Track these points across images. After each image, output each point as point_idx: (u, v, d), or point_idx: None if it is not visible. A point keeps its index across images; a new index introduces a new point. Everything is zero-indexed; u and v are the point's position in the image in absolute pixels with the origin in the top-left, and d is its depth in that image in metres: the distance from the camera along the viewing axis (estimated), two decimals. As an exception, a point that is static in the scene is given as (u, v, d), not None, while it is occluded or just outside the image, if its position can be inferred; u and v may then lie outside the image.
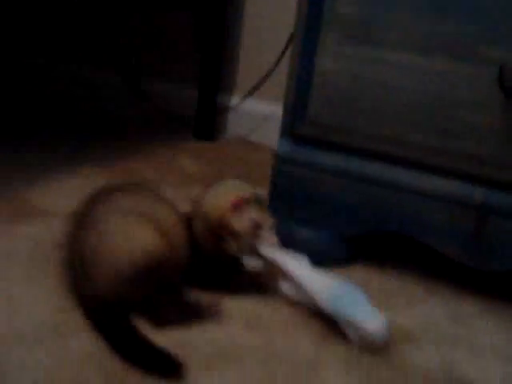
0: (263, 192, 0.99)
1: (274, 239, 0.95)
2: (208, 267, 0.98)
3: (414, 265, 1.13)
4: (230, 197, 0.95)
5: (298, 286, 0.94)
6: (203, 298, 0.95)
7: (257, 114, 1.66)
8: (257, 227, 0.95)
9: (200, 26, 1.61)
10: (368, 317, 0.88)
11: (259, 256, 0.96)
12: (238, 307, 0.96)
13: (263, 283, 1.02)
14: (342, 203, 1.07)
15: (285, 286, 0.96)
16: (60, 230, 1.01)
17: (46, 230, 1.10)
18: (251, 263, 1.00)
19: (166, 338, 0.86)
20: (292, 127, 1.09)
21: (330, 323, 0.94)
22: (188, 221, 0.97)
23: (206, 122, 1.66)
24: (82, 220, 0.89)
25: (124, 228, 0.87)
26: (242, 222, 0.95)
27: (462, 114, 0.98)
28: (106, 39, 1.84)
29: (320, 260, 1.08)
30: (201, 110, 1.65)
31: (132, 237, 0.86)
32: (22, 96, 1.88)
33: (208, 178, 1.42)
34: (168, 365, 0.81)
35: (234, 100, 1.68)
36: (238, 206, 0.95)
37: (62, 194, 1.25)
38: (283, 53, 1.54)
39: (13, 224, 1.12)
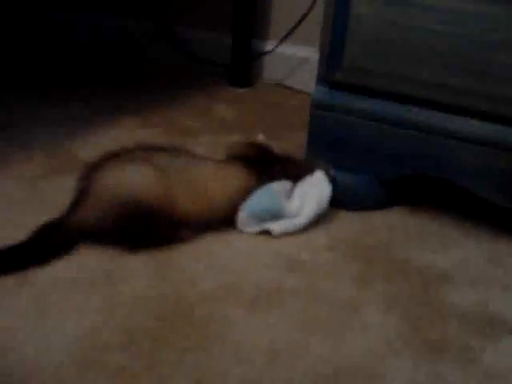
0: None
1: None
2: None
3: (451, 208, 1.14)
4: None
5: None
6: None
7: (292, 58, 1.66)
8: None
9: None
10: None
11: None
12: (280, 251, 0.99)
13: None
14: (379, 148, 1.08)
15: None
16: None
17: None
18: None
19: (212, 283, 0.90)
20: (328, 73, 1.09)
21: (368, 265, 0.97)
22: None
23: (242, 69, 1.66)
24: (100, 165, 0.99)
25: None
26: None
27: (501, 57, 0.98)
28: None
29: (359, 203, 1.11)
30: (236, 56, 1.66)
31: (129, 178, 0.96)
32: (58, 49, 1.90)
33: (246, 125, 1.44)
34: None
35: (269, 45, 1.68)
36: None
37: (103, 145, 1.28)
38: (317, -4, 1.53)
39: (59, 176, 1.15)
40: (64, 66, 1.77)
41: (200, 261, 0.96)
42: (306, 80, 1.58)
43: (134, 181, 0.96)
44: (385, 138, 1.07)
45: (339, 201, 1.09)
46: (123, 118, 1.42)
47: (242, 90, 1.66)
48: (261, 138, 1.12)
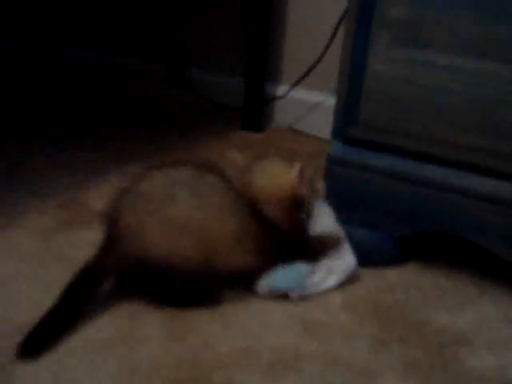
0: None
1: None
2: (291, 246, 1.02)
3: (466, 265, 1.13)
4: (284, 171, 1.01)
5: None
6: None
7: (305, 103, 1.67)
8: (313, 184, 1.04)
9: (246, 13, 1.61)
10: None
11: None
12: (296, 312, 0.99)
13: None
14: (394, 204, 1.08)
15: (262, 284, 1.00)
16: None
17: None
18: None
19: (228, 347, 0.90)
20: (344, 129, 1.10)
21: (384, 326, 0.96)
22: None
23: (254, 113, 1.67)
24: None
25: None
26: (304, 187, 1.01)
27: (513, 117, 0.98)
28: (151, 29, 1.86)
29: (374, 260, 1.11)
30: (248, 100, 1.66)
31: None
32: (69, 92, 1.91)
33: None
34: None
35: (282, 89, 1.69)
36: (301, 174, 1.01)
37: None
38: (330, 41, 1.54)
39: (74, 230, 1.15)
40: (74, 109, 1.78)
41: (216, 322, 0.95)
42: (319, 125, 1.59)
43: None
44: (400, 194, 1.07)
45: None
46: (135, 165, 1.42)
47: (254, 135, 1.66)
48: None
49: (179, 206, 0.92)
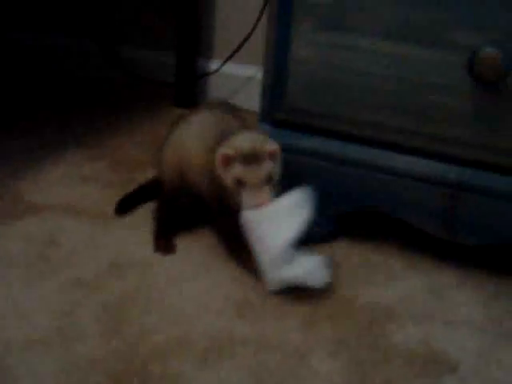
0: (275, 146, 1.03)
1: (261, 198, 1.00)
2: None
3: (394, 240, 1.18)
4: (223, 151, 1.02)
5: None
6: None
7: (237, 77, 1.67)
8: (239, 184, 1.00)
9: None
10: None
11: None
12: (230, 295, 1.02)
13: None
14: (321, 184, 1.10)
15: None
16: (53, 224, 1.07)
17: (40, 227, 1.15)
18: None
19: (164, 336, 0.92)
20: (270, 112, 1.12)
21: (315, 305, 1.00)
22: None
23: (187, 89, 1.67)
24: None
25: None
26: (228, 178, 1.02)
27: (434, 98, 1.02)
28: (80, 8, 1.82)
29: (308, 238, 1.13)
30: (180, 76, 1.66)
31: None
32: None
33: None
34: None
35: (214, 65, 1.69)
36: (224, 161, 1.01)
37: (50, 184, 1.28)
38: (260, 16, 1.54)
39: (6, 222, 1.15)
40: (3, 93, 1.75)
41: (151, 311, 0.97)
42: (251, 99, 1.59)
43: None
44: (327, 174, 1.10)
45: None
46: (69, 150, 1.41)
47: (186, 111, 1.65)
48: None
49: (184, 133, 1.13)
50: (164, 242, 1.12)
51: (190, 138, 1.11)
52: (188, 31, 1.63)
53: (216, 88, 1.71)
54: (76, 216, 1.19)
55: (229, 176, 1.01)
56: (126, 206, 1.21)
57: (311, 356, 0.92)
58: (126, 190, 1.25)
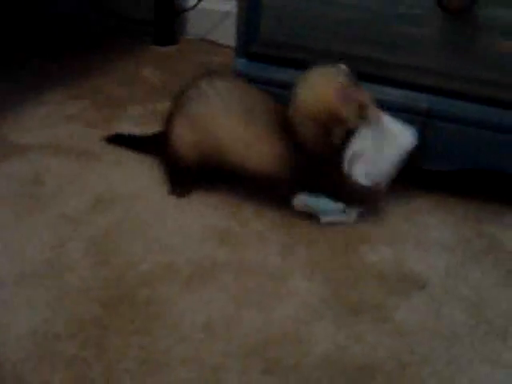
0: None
1: (379, 111, 1.02)
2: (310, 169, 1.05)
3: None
4: (331, 86, 1.00)
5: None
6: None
7: (216, 12, 1.68)
8: (364, 108, 1.01)
9: None
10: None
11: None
12: (212, 224, 1.07)
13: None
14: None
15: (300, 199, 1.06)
16: (39, 163, 1.10)
17: (26, 166, 1.18)
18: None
19: (150, 264, 0.97)
20: (246, 46, 1.14)
21: (294, 230, 1.05)
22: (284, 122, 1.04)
23: (165, 26, 1.68)
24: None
25: None
26: (350, 108, 1.01)
27: (404, 29, 1.05)
28: None
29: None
30: (159, 13, 1.67)
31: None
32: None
33: (174, 89, 1.47)
34: None
35: (191, 1, 1.70)
36: (345, 94, 1.00)
37: (34, 125, 1.30)
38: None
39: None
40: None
41: (137, 241, 1.02)
42: (229, 34, 1.61)
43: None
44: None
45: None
46: (51, 90, 1.43)
47: (167, 49, 1.67)
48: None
49: (199, 106, 1.07)
50: (179, 186, 1.14)
51: (221, 114, 1.06)
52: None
53: (194, 24, 1.72)
54: (61, 154, 1.22)
55: (351, 106, 1.01)
56: (116, 140, 1.24)
57: (288, 278, 0.97)
58: (110, 127, 1.28)
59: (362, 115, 1.01)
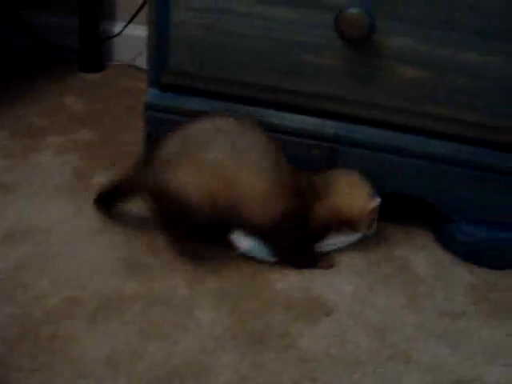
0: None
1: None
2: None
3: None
4: (365, 198, 1.06)
5: None
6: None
7: (141, 38, 1.67)
8: (374, 221, 1.09)
9: None
10: None
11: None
12: (123, 255, 1.07)
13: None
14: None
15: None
16: None
17: None
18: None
19: (56, 299, 0.97)
20: (157, 77, 1.15)
21: (201, 259, 1.05)
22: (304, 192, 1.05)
23: (91, 53, 1.68)
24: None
25: None
26: (369, 221, 1.08)
27: (309, 58, 1.06)
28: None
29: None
30: (84, 40, 1.66)
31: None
32: None
33: (96, 117, 1.47)
34: None
35: (119, 27, 1.70)
36: (373, 212, 1.07)
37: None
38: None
39: None
40: None
41: (46, 275, 1.02)
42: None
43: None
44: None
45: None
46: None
47: (92, 75, 1.67)
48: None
49: (214, 152, 0.99)
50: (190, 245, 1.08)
51: (248, 167, 1.00)
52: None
53: (121, 50, 1.72)
54: (-26, 187, 1.21)
55: (370, 220, 1.08)
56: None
57: (195, 309, 0.97)
58: (27, 158, 1.28)
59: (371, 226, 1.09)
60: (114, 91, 1.59)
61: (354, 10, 0.99)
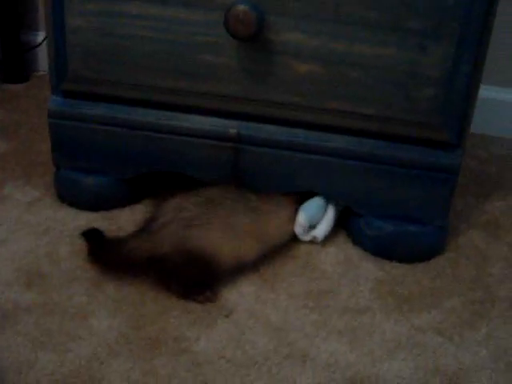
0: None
1: None
2: None
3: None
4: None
5: None
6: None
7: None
8: None
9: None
10: None
11: None
12: (22, 265, 1.05)
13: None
14: (114, 149, 1.14)
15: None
16: None
17: None
18: None
19: None
20: (58, 84, 1.13)
21: (104, 267, 1.04)
22: None
23: (14, 63, 1.66)
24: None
25: None
26: None
27: (205, 58, 1.05)
28: None
29: (107, 203, 1.17)
30: (6, 51, 1.64)
31: None
32: None
33: (13, 128, 1.45)
34: None
35: (40, 37, 1.69)
36: None
37: None
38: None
39: None
40: None
41: None
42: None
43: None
44: (117, 139, 1.13)
45: (85, 204, 1.16)
46: None
47: (15, 86, 1.65)
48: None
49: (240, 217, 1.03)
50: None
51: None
52: (8, 4, 1.61)
53: (44, 60, 1.70)
54: None
55: None
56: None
57: (92, 317, 0.96)
58: None
59: None
60: (35, 102, 1.58)
61: (241, 7, 0.98)
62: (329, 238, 1.14)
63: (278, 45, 1.02)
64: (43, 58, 1.71)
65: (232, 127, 1.09)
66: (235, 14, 0.98)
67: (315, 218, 1.12)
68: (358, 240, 1.13)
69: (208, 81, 1.07)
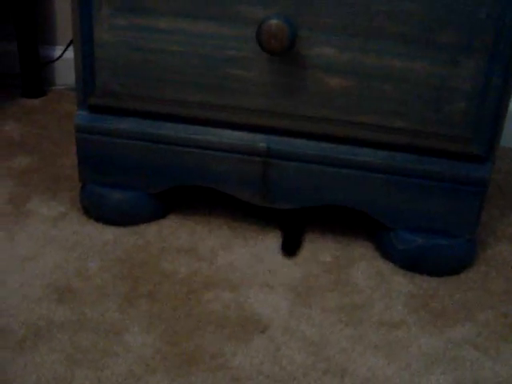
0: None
1: None
2: None
3: (221, 212, 1.22)
4: None
5: None
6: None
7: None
8: None
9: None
10: None
11: None
12: (51, 281, 1.04)
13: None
14: (142, 164, 1.14)
15: None
16: None
17: None
18: None
19: (-22, 331, 0.94)
20: (85, 98, 1.13)
21: (136, 283, 1.03)
22: None
23: (32, 78, 1.66)
24: None
25: None
26: None
27: (235, 72, 1.05)
28: None
29: (134, 219, 1.17)
30: (24, 65, 1.64)
31: None
32: None
33: (33, 143, 1.45)
34: None
35: (58, 51, 1.69)
36: None
37: None
38: None
39: None
40: None
41: (-28, 306, 0.99)
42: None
43: None
44: (146, 154, 1.13)
45: (112, 219, 1.15)
46: None
47: (34, 101, 1.65)
48: None
49: None
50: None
51: None
52: (26, 19, 1.61)
53: (62, 74, 1.71)
54: None
55: None
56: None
57: (126, 333, 0.95)
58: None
59: None
60: (54, 116, 1.57)
61: (274, 22, 0.98)
62: (358, 251, 1.13)
63: (308, 59, 1.02)
64: (60, 73, 1.71)
65: (261, 141, 1.09)
66: (268, 28, 0.98)
67: None
68: (386, 253, 1.13)
69: (237, 95, 1.07)
